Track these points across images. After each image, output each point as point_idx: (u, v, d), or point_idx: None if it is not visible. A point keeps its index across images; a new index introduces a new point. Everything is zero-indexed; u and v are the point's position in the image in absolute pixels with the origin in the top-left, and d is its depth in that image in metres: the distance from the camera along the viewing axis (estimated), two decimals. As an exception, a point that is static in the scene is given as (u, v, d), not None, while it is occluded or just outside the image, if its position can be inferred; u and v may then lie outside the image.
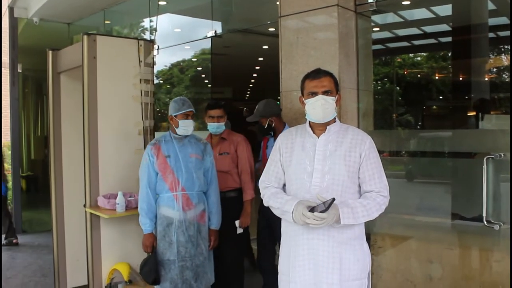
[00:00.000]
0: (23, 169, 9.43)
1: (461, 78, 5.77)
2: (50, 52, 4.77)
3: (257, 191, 3.29)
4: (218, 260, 3.88)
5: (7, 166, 9.41)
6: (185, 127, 3.52)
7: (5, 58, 12.84)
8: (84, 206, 4.07)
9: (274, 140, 3.85)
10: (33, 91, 13.16)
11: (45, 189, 5.68)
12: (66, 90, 4.79)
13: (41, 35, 8.40)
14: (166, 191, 3.51)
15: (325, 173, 2.40)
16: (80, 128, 4.15)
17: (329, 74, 2.50)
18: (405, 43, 6.71)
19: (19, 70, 8.33)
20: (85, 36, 4.04)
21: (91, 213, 4.00)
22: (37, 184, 11.00)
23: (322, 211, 2.23)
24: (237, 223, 3.95)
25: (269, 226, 3.74)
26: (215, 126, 3.96)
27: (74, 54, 4.34)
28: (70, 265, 4.76)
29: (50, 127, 4.76)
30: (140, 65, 4.30)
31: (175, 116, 3.51)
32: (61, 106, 4.77)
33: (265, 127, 3.86)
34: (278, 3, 4.05)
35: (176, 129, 3.54)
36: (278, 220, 2.60)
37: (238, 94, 13.35)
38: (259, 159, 4.20)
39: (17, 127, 8.29)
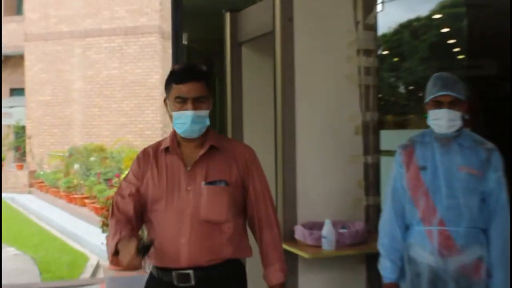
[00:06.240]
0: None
1: None
2: (227, 15, 3.65)
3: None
4: None
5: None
6: (435, 120, 2.42)
7: (165, 26, 10.77)
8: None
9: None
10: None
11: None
12: (249, 69, 3.70)
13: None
14: (417, 222, 2.49)
15: None
16: (269, 124, 3.16)
17: None
18: None
19: (184, 42, 6.65)
20: (278, -11, 2.96)
21: (284, 250, 2.88)
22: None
23: None
24: None
25: None
26: None
27: (260, 16, 3.31)
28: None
29: (228, 124, 3.72)
30: (357, 28, 3.06)
31: (427, 103, 2.47)
32: (242, 93, 3.66)
33: None
34: None
35: None
36: None
37: (506, 70, 10.26)
38: None
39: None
